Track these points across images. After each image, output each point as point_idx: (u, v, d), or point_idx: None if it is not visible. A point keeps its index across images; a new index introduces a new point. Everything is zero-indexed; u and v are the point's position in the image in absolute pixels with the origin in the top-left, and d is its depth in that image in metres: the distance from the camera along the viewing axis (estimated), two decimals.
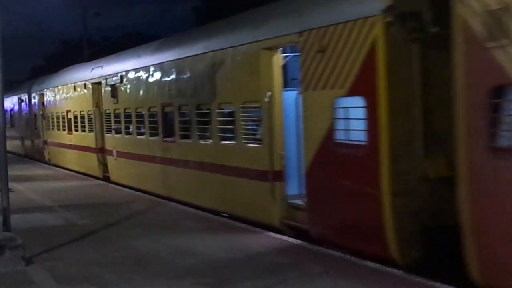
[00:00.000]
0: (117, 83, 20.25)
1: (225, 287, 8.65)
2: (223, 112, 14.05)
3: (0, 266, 9.73)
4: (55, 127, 28.81)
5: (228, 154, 13.69)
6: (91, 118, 23.16)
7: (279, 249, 10.65)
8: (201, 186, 15.10)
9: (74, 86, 25.20)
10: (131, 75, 19.23)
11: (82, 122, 24.51)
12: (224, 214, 14.05)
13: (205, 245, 11.22)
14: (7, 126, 36.35)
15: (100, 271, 9.66)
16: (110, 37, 50.98)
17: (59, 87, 27.89)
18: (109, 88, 20.82)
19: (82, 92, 24.25)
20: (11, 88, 37.53)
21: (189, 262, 10.08)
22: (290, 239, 11.34)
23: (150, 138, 17.87)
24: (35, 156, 33.31)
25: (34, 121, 32.88)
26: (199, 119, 14.91)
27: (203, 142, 14.78)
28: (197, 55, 15.01)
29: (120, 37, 46.78)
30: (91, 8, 48.01)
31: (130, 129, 19.81)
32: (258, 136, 12.71)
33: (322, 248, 10.55)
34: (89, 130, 23.59)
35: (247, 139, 13.00)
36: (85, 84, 23.83)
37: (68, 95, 26.37)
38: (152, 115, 17.63)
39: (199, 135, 14.96)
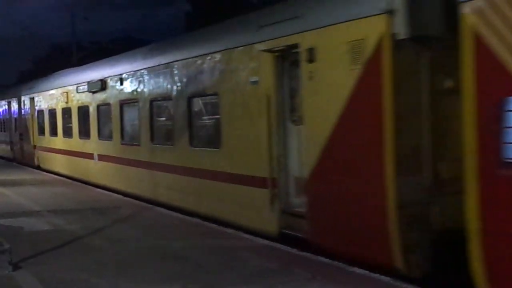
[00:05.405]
0: None
1: None
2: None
3: None
4: None
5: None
6: None
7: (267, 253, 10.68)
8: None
9: None
10: None
11: None
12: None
13: (191, 247, 11.26)
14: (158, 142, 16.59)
15: (87, 276, 9.63)
16: (99, 41, 50.86)
17: None
18: None
19: None
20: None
21: (176, 267, 10.08)
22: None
23: None
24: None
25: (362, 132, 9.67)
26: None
27: None
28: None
29: (109, 42, 46.72)
30: (80, 13, 47.98)
31: None
32: None
33: (309, 254, 10.58)
34: None
35: None
36: None
37: None
38: None
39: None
